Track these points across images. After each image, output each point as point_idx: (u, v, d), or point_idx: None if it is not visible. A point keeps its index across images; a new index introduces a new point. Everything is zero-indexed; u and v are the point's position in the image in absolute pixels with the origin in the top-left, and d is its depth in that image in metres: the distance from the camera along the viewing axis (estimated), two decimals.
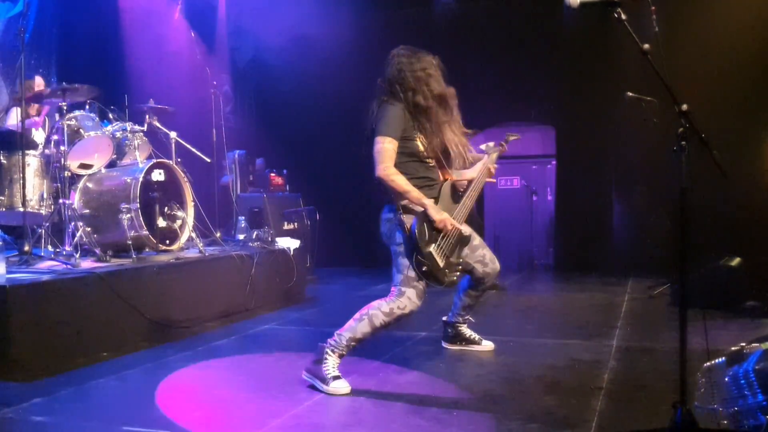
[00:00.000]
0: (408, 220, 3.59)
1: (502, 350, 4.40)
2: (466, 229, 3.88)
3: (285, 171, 8.20)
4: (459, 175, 3.95)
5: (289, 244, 6.49)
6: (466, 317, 4.42)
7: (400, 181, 3.57)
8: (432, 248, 3.56)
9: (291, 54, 8.91)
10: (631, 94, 6.44)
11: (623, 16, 2.47)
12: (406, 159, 3.68)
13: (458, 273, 3.73)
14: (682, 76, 6.86)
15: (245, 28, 9.21)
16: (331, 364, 3.59)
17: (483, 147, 4.19)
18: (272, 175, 7.99)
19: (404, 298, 3.61)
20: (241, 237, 6.63)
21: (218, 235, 6.41)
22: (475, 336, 4.46)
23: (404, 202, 3.62)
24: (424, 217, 3.58)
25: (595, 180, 8.21)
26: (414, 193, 3.58)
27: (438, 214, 3.60)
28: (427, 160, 3.76)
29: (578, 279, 7.55)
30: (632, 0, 2.46)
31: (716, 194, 6.81)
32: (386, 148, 3.58)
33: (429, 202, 3.61)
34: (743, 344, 2.55)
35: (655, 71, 2.49)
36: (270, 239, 6.42)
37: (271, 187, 7.88)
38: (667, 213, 7.25)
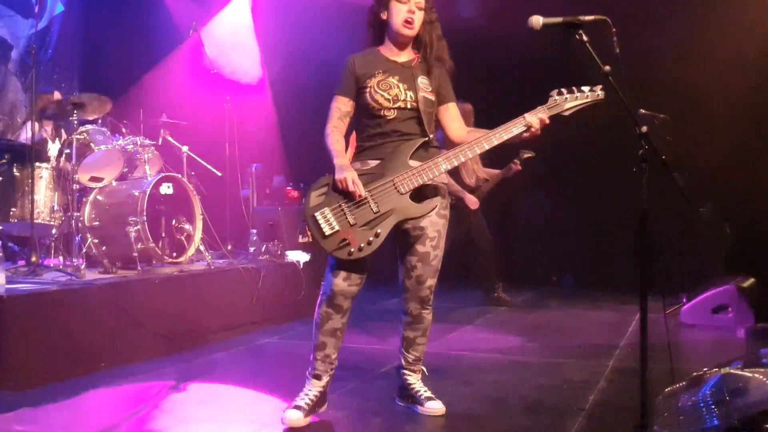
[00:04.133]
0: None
1: (494, 369, 4.37)
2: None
3: (302, 185, 8.27)
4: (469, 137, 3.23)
5: (299, 257, 6.54)
6: (412, 361, 3.48)
7: (327, 142, 3.21)
8: (319, 212, 3.07)
9: (311, 70, 8.99)
10: (644, 111, 6.37)
11: (585, 38, 2.46)
12: (360, 115, 3.33)
13: (369, 246, 3.06)
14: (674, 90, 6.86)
15: (270, 43, 9.32)
16: (305, 389, 3.33)
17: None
18: (288, 188, 8.07)
19: (325, 282, 3.26)
20: (251, 250, 6.70)
21: (228, 247, 6.50)
22: (422, 392, 3.44)
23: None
24: (329, 177, 3.15)
25: (614, 193, 8.08)
26: (332, 151, 3.17)
27: (338, 173, 3.09)
28: (383, 113, 3.24)
29: (593, 295, 7.44)
30: (592, 22, 2.46)
31: (728, 213, 6.73)
32: (331, 107, 3.31)
33: (340, 160, 3.14)
34: (705, 369, 2.50)
35: (618, 93, 2.48)
36: (279, 252, 6.48)
37: (286, 201, 7.96)
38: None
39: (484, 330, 5.75)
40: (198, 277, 5.41)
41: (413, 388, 3.46)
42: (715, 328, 5.57)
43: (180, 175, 5.91)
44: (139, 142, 5.83)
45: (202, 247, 5.87)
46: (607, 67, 2.46)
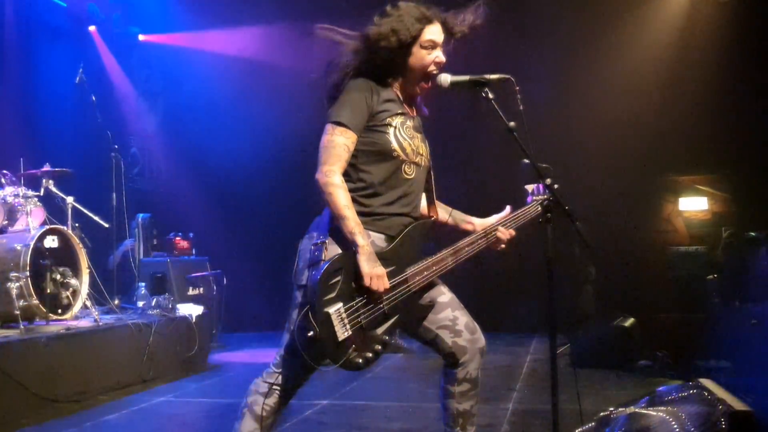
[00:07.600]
0: (328, 255, 2.46)
1: (400, 417, 4.39)
2: (434, 294, 2.68)
3: (191, 234, 8.06)
4: (462, 219, 2.88)
5: (191, 310, 6.34)
6: None
7: (338, 197, 2.42)
8: (334, 309, 2.36)
9: (201, 117, 8.92)
10: (527, 161, 6.67)
11: (491, 95, 2.59)
12: (372, 158, 2.56)
13: (373, 355, 2.45)
14: (570, 141, 7.32)
15: (155, 91, 9.19)
16: None
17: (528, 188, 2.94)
18: (178, 238, 7.84)
19: (281, 367, 2.58)
20: (140, 304, 6.44)
21: (116, 302, 6.23)
22: None
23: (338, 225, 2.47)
24: (350, 259, 2.42)
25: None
26: (350, 221, 2.41)
27: (369, 266, 2.40)
28: (404, 169, 2.58)
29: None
30: (497, 80, 2.59)
31: (611, 255, 7.14)
32: (335, 141, 2.47)
33: (364, 244, 2.41)
34: (612, 409, 2.63)
35: (522, 148, 2.62)
36: (171, 306, 6.26)
37: (175, 251, 7.72)
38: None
39: (385, 378, 5.77)
40: (85, 335, 5.13)
41: None
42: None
43: (65, 227, 5.64)
44: (20, 193, 5.53)
45: (88, 303, 5.60)
46: (512, 123, 2.59)
